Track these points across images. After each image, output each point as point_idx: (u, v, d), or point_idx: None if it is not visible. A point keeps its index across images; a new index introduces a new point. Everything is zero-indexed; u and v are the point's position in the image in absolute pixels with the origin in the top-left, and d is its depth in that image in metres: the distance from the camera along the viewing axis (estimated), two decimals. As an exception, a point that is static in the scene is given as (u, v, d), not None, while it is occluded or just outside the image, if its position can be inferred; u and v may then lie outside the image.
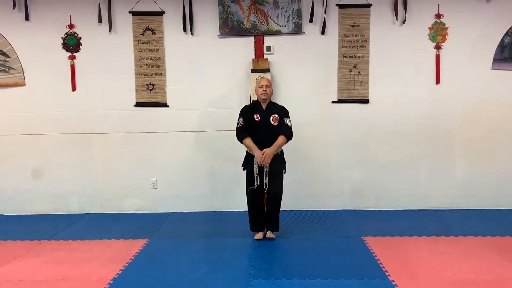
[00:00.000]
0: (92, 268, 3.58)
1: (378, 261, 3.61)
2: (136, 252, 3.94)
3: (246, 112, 4.20)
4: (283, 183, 4.21)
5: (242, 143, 4.13)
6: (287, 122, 4.15)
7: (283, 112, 4.18)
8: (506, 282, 3.18)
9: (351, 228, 4.55)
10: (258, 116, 4.12)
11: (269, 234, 4.21)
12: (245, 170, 4.21)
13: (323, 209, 5.17)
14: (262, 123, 4.11)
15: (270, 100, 4.22)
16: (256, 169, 4.08)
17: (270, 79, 4.42)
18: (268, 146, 4.04)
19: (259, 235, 4.21)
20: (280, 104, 4.31)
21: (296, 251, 3.92)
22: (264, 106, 4.18)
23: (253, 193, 4.13)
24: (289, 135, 4.12)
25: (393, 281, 3.22)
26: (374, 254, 3.77)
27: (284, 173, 4.21)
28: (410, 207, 5.17)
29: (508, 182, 5.12)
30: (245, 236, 4.23)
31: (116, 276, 3.41)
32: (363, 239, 4.18)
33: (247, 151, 4.19)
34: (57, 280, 3.36)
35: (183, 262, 3.70)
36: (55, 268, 3.60)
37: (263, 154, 3.97)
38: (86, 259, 3.81)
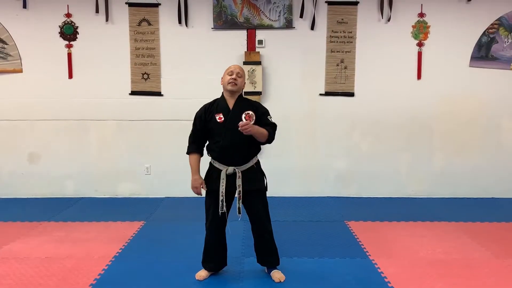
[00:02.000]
0: (94, 247, 3.81)
1: (360, 243, 3.92)
2: (134, 233, 4.17)
3: (200, 116, 3.13)
4: (268, 204, 3.20)
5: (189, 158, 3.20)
6: (272, 120, 3.17)
7: (263, 109, 3.18)
8: (473, 261, 3.52)
9: (335, 213, 4.84)
10: (221, 116, 3.06)
11: (275, 274, 3.18)
12: (206, 190, 3.14)
13: (309, 196, 5.46)
14: (229, 125, 3.03)
15: (241, 95, 3.19)
16: (223, 188, 3.02)
17: (242, 69, 3.19)
18: (239, 158, 3.05)
19: (203, 274, 3.20)
20: (254, 100, 3.33)
21: (285, 233, 4.15)
22: (231, 102, 3.11)
23: (215, 223, 3.12)
24: (273, 135, 3.13)
25: (373, 260, 3.53)
26: (356, 237, 4.08)
27: (266, 190, 3.19)
28: (390, 195, 5.48)
29: (481, 173, 5.46)
30: (236, 220, 4.47)
31: (117, 254, 3.65)
32: (346, 223, 4.48)
33: (210, 163, 3.17)
34: (61, 258, 3.57)
35: (179, 242, 3.94)
36: (58, 247, 3.82)
37: (245, 122, 2.94)
38: (86, 239, 4.03)
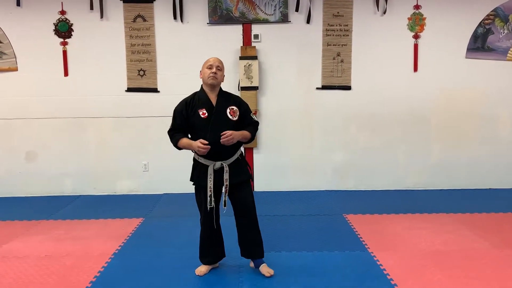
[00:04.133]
0: (93, 245, 3.81)
1: (359, 236, 3.93)
2: (133, 230, 4.18)
3: (181, 111, 3.06)
4: (253, 194, 3.21)
5: (179, 148, 3.09)
6: (254, 118, 3.20)
7: (245, 105, 3.16)
8: (472, 252, 3.53)
9: (334, 206, 4.85)
10: (204, 111, 3.01)
11: (264, 269, 3.17)
12: (194, 185, 3.16)
13: (307, 190, 5.47)
14: (214, 120, 3.00)
15: (221, 89, 3.14)
16: (211, 183, 3.01)
17: (221, 61, 3.12)
18: (225, 153, 3.02)
19: (203, 270, 3.21)
20: (235, 94, 3.28)
21: (283, 227, 4.19)
22: (212, 97, 3.07)
23: (208, 218, 3.12)
24: (254, 135, 3.17)
25: (372, 252, 3.55)
26: (354, 230, 4.09)
27: (252, 181, 3.23)
28: (388, 187, 5.50)
29: (478, 164, 5.49)
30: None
31: (116, 251, 3.65)
32: (345, 216, 4.49)
33: (194, 158, 3.14)
34: (61, 256, 3.57)
35: (178, 238, 3.95)
36: (57, 245, 3.82)
37: (227, 134, 2.90)
38: (85, 236, 4.03)
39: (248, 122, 3.13)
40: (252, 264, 3.28)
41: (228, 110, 3.03)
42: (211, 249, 3.22)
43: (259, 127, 3.28)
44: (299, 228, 4.19)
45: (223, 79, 3.13)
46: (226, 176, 3.02)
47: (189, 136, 3.13)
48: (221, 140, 2.91)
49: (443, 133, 5.47)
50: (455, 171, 5.50)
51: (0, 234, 4.12)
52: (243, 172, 3.12)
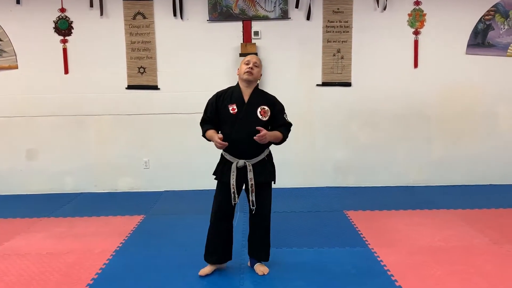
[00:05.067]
0: (94, 242, 3.82)
1: (359, 232, 3.94)
2: (134, 227, 4.19)
3: (212, 103, 3.07)
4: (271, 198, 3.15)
5: (206, 139, 3.08)
6: (287, 119, 3.13)
7: (279, 105, 3.10)
8: (472, 248, 3.54)
9: (334, 203, 4.86)
10: (234, 107, 2.98)
11: (259, 267, 3.17)
12: (217, 180, 3.11)
13: (308, 186, 5.48)
14: (242, 117, 2.96)
15: (257, 86, 3.12)
16: (233, 181, 2.97)
17: (260, 59, 3.13)
18: (250, 151, 2.98)
19: (206, 270, 3.15)
20: (272, 94, 3.18)
21: (284, 224, 4.19)
22: (246, 93, 3.03)
23: (221, 213, 3.08)
24: (287, 137, 3.11)
25: (373, 249, 3.56)
26: (355, 226, 4.10)
27: (274, 183, 3.16)
28: (388, 184, 5.51)
29: (478, 160, 5.49)
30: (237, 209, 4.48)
31: (118, 249, 3.66)
32: (345, 213, 4.50)
33: (221, 154, 3.11)
34: (62, 253, 3.58)
35: (179, 235, 3.96)
36: (58, 242, 3.83)
37: (261, 134, 2.85)
38: (86, 234, 4.04)
39: (281, 123, 3.07)
40: (249, 263, 3.28)
41: (259, 110, 2.98)
42: (218, 247, 3.14)
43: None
44: (300, 224, 4.20)
45: (260, 76, 3.10)
46: (250, 175, 2.96)
47: (219, 130, 3.09)
48: (255, 137, 2.84)
49: (443, 129, 5.47)
50: (455, 167, 5.50)
51: (1, 231, 4.13)
52: (266, 173, 3.05)
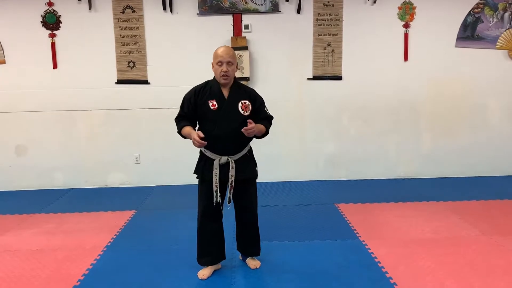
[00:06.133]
0: (85, 238, 3.80)
1: (350, 225, 3.96)
2: (125, 222, 4.17)
3: (189, 99, 2.94)
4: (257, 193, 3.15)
5: (182, 136, 2.96)
6: (269, 112, 3.07)
7: (260, 99, 3.03)
8: (461, 239, 3.58)
9: (325, 196, 4.88)
10: (214, 103, 2.88)
11: (250, 261, 3.17)
12: (198, 179, 3.01)
13: (299, 180, 5.49)
14: (223, 113, 2.87)
15: (235, 80, 3.00)
16: (216, 178, 2.88)
17: (232, 53, 2.90)
18: (233, 147, 2.90)
19: (206, 272, 3.03)
20: (250, 87, 3.11)
21: (275, 217, 4.20)
22: (225, 88, 2.93)
23: (209, 213, 2.98)
24: (269, 130, 3.06)
25: (364, 241, 3.58)
26: (346, 219, 4.12)
27: (256, 178, 3.12)
28: (379, 177, 5.54)
29: (468, 153, 5.53)
30: (225, 206, 4.48)
31: (109, 244, 3.65)
32: (336, 205, 4.52)
33: (200, 151, 3.00)
34: (53, 249, 3.56)
35: (170, 230, 3.95)
36: (49, 239, 3.80)
37: (250, 127, 2.78)
38: (77, 229, 4.02)
39: (263, 116, 3.00)
40: (240, 257, 3.28)
41: (240, 104, 2.89)
42: (211, 248, 3.04)
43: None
44: (291, 218, 4.21)
45: (236, 70, 2.98)
46: (232, 172, 2.89)
47: (197, 125, 3.01)
48: (243, 129, 2.77)
49: (433, 122, 5.50)
50: (445, 160, 5.54)
51: (-9, 228, 4.10)
52: (249, 169, 3.01)
